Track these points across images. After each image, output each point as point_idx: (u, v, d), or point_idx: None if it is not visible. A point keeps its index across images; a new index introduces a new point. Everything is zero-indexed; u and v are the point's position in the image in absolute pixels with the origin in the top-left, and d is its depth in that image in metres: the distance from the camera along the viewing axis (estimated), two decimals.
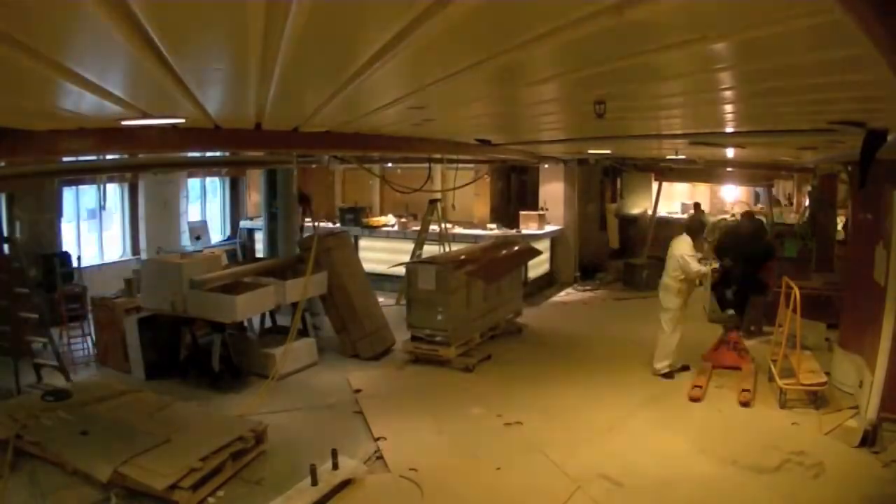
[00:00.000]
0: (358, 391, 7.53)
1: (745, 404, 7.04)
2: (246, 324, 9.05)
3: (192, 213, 13.71)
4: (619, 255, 15.99)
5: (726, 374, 7.95)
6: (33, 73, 2.21)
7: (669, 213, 15.91)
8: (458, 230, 12.74)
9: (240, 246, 14.55)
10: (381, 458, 5.87)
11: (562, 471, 5.56)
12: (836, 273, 10.35)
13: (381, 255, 12.98)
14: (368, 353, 8.83)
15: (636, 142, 8.20)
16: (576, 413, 6.86)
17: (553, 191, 13.93)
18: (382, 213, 14.50)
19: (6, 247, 8.06)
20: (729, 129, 5.81)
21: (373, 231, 13.32)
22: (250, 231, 14.54)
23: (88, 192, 11.31)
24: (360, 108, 4.16)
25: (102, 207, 10.91)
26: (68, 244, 10.97)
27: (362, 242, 13.20)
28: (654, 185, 15.19)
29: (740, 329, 8.94)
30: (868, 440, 5.90)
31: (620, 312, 11.49)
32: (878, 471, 5.50)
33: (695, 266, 7.91)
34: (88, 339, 8.81)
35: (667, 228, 15.48)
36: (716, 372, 8.05)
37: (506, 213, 14.07)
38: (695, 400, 7.19)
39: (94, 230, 11.94)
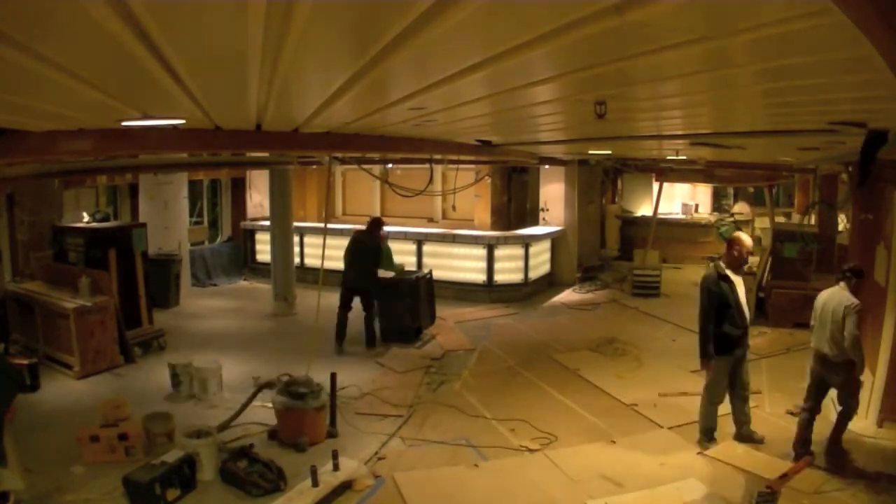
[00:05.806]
0: (365, 395, 7.52)
1: None
2: None
3: None
4: (621, 255, 16.04)
5: None
6: (33, 73, 2.21)
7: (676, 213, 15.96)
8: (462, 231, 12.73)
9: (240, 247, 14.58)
10: (381, 458, 5.87)
11: (561, 471, 5.56)
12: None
13: None
14: None
15: (637, 142, 8.19)
16: (576, 413, 6.86)
17: (553, 191, 13.92)
18: (383, 213, 14.35)
19: None
20: (729, 130, 5.82)
21: None
22: (251, 232, 14.52)
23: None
24: (361, 109, 4.16)
25: None
26: None
27: None
28: (655, 186, 15.17)
29: None
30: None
31: (620, 313, 11.48)
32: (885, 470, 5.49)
33: None
34: None
35: (667, 229, 15.59)
36: None
37: (506, 214, 14.01)
38: None
39: None
